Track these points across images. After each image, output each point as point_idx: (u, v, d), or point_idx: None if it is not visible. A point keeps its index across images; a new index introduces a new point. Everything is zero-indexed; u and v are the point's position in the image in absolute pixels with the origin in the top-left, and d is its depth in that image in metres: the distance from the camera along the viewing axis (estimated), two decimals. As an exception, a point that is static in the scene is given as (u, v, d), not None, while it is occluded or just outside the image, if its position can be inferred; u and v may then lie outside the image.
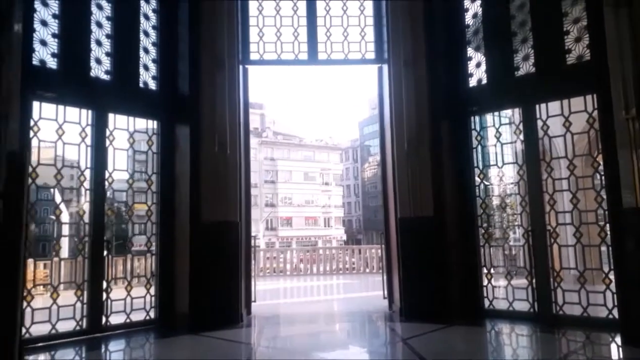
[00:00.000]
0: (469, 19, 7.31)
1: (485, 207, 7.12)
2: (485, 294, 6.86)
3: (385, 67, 7.64)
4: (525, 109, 6.68)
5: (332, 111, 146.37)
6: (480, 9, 7.19)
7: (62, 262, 7.29)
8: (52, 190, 6.19)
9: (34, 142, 5.69)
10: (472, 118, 7.25)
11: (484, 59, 7.09)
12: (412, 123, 7.00)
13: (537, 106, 6.60)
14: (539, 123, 6.55)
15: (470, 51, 7.29)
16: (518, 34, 6.76)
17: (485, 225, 7.06)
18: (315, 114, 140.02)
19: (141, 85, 6.91)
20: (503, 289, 6.90)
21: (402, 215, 6.96)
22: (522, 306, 6.49)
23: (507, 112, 7.79)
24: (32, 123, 5.69)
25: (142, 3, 7.06)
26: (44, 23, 5.96)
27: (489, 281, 6.88)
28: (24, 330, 5.20)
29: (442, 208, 6.85)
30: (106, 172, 6.36)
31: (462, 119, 7.23)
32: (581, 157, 7.04)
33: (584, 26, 6.13)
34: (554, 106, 6.52)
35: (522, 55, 6.68)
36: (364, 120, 78.04)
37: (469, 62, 7.25)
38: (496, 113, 7.36)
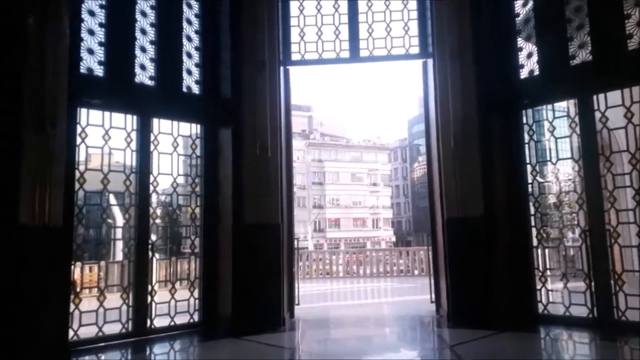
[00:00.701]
0: (518, 7, 6.92)
1: (538, 205, 6.70)
2: (539, 298, 6.44)
3: (430, 62, 7.37)
4: (582, 100, 6.24)
5: (380, 110, 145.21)
6: (531, -3, 6.77)
7: (110, 265, 7.49)
8: (100, 194, 6.34)
9: (82, 148, 5.87)
10: (524, 111, 6.86)
11: (536, 49, 6.68)
12: (458, 118, 6.69)
13: (595, 97, 6.14)
14: (597, 115, 6.09)
15: (520, 41, 6.89)
16: (573, 21, 6.33)
17: (539, 225, 6.65)
18: (362, 114, 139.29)
19: (184, 89, 6.98)
20: (559, 292, 6.46)
21: (449, 216, 6.67)
22: (579, 311, 6.03)
23: (562, 105, 7.29)
24: (79, 130, 5.84)
25: (185, 8, 7.13)
26: (91, 32, 6.12)
27: (543, 284, 6.47)
28: (71, 333, 5.36)
29: (492, 207, 6.51)
30: (151, 176, 6.47)
31: (513, 113, 6.85)
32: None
33: (647, 7, 5.64)
34: (614, 96, 6.05)
35: (578, 43, 6.25)
36: (413, 119, 76.63)
37: (519, 53, 6.86)
38: (549, 106, 6.90)
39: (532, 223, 6.62)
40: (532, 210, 6.66)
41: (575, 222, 7.41)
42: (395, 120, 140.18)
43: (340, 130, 76.36)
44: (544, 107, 7.00)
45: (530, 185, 6.72)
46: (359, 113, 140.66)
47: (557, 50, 6.39)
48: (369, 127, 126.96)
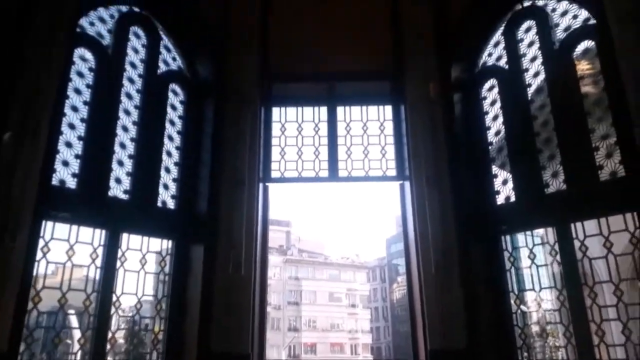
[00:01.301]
0: (491, 136, 7.20)
1: (524, 337, 6.35)
2: None
3: (407, 184, 7.44)
4: (559, 228, 6.22)
5: (358, 228, 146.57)
6: (503, 127, 7.09)
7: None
8: (55, 315, 5.80)
9: (42, 264, 5.48)
10: (503, 238, 6.80)
11: (510, 176, 6.84)
12: (438, 244, 6.59)
13: (573, 225, 6.14)
14: (577, 243, 6.04)
15: (495, 168, 7.08)
16: (544, 151, 6.57)
17: (526, 358, 6.23)
18: (341, 231, 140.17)
19: (159, 204, 6.82)
20: None
21: (432, 347, 6.24)
22: None
23: (540, 231, 7.29)
24: (42, 243, 5.50)
25: (168, 125, 7.23)
26: (69, 145, 6.06)
27: None
28: None
29: (476, 339, 6.14)
30: (114, 295, 6.01)
31: (492, 239, 6.80)
32: (627, 282, 6.36)
33: (614, 142, 5.89)
34: (591, 225, 6.06)
35: (550, 172, 6.41)
36: (392, 238, 76.80)
37: (494, 180, 7.00)
38: (528, 232, 6.88)
39: (519, 357, 6.21)
40: (519, 342, 6.29)
41: (563, 357, 7.00)
42: (374, 239, 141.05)
43: (318, 246, 75.88)
44: (523, 233, 6.97)
45: (514, 315, 6.43)
46: (338, 230, 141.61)
47: (531, 179, 6.53)
48: (348, 244, 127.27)
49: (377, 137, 7.92)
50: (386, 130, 7.94)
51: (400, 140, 7.81)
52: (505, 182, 6.88)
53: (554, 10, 6.81)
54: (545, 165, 6.48)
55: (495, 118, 7.19)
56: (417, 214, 6.95)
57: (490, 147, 7.17)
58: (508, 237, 6.87)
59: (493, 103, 7.24)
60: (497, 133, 7.14)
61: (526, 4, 7.10)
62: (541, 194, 6.42)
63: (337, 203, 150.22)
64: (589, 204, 6.04)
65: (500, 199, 6.88)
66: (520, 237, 7.19)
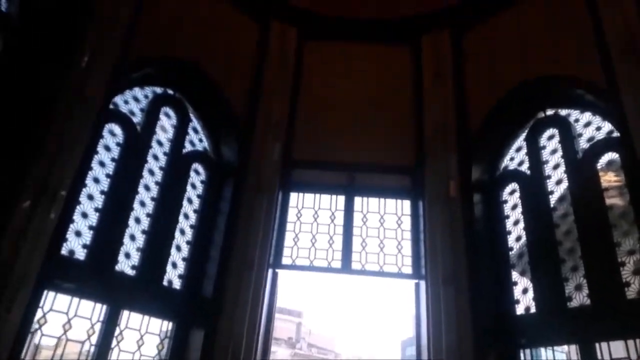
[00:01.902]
0: (512, 241, 6.98)
1: None
2: None
3: (422, 284, 7.15)
4: (583, 347, 5.79)
5: (373, 325, 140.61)
6: (524, 233, 6.88)
7: None
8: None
9: (36, 336, 5.31)
10: (522, 351, 6.34)
11: (531, 285, 6.51)
12: (452, 351, 6.17)
13: (597, 345, 5.70)
14: (603, 366, 5.57)
15: (515, 275, 6.77)
16: (567, 261, 6.29)
17: None
18: (354, 327, 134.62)
19: (165, 283, 6.68)
20: None
21: None
22: None
23: (564, 347, 6.81)
24: (40, 314, 5.37)
25: (185, 203, 7.26)
26: (85, 215, 6.09)
27: None
28: None
29: None
30: (105, 378, 5.72)
31: (509, 351, 6.34)
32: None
33: (641, 259, 5.61)
34: (618, 346, 5.61)
35: (573, 285, 6.09)
36: (407, 340, 72.63)
37: (514, 287, 6.67)
38: (549, 347, 6.42)
39: None
40: None
41: None
42: (388, 339, 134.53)
43: (329, 342, 72.14)
44: (543, 348, 6.50)
45: None
46: (350, 326, 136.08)
47: (553, 290, 6.20)
48: (360, 342, 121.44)
49: (394, 231, 7.77)
50: (403, 225, 7.80)
51: (417, 236, 7.63)
52: (525, 291, 6.53)
53: (577, 120, 6.84)
54: (568, 276, 6.17)
55: (516, 223, 6.99)
56: (431, 317, 6.60)
57: (510, 253, 6.91)
58: (527, 351, 6.40)
59: (514, 207, 7.09)
60: (518, 239, 6.91)
61: (549, 112, 7.16)
62: (563, 307, 6.05)
63: (351, 297, 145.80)
64: (615, 323, 5.64)
65: (519, 309, 6.51)
66: (541, 351, 6.71)
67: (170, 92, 7.53)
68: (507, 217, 7.12)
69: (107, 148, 6.59)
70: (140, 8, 7.00)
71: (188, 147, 7.54)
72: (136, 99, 7.13)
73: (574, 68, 6.69)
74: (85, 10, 6.32)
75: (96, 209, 6.22)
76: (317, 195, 8.09)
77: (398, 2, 8.99)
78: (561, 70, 6.83)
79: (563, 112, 7.02)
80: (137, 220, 6.63)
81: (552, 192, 6.75)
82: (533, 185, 6.96)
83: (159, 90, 7.44)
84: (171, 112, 7.50)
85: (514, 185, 7.22)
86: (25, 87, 5.82)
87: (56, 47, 6.08)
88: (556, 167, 6.82)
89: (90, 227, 6.11)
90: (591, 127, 6.66)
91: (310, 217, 7.94)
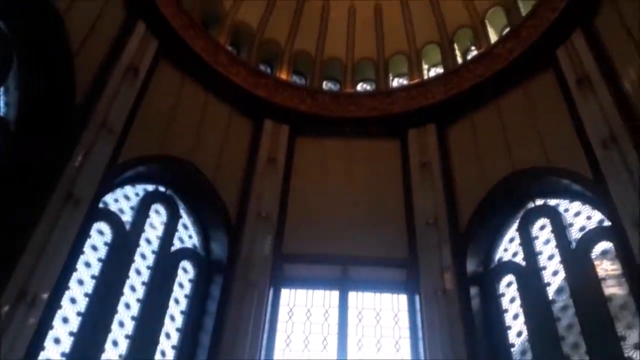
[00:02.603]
0: (513, 337, 6.69)
1: None
2: None
3: (424, 386, 6.71)
4: None
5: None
6: (525, 327, 6.61)
7: None
8: None
9: None
10: None
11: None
12: None
13: None
14: None
15: (519, 374, 6.40)
16: (572, 357, 5.98)
17: None
18: None
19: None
20: None
21: None
22: None
23: None
24: None
25: (172, 304, 7.01)
26: (65, 320, 5.83)
27: None
28: None
29: None
30: None
31: None
32: None
33: (649, 355, 5.34)
34: None
35: (582, 385, 5.73)
36: None
37: (520, 388, 6.27)
38: None
39: None
40: None
41: None
42: None
43: None
44: None
45: None
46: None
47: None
48: None
49: (391, 329, 7.43)
50: (400, 322, 7.47)
51: (415, 333, 7.28)
52: (531, 390, 6.15)
53: (566, 210, 6.87)
54: (575, 375, 5.84)
55: (515, 317, 6.74)
56: None
57: (512, 349, 6.59)
58: None
59: (512, 300, 6.88)
60: (519, 334, 6.61)
61: (538, 202, 7.21)
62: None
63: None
64: None
65: (528, 412, 6.08)
66: None
67: (162, 189, 7.57)
68: (506, 310, 6.89)
69: (94, 248, 6.46)
70: (137, 108, 7.24)
71: (177, 245, 7.43)
72: (127, 197, 7.13)
73: (559, 160, 6.85)
74: (81, 112, 6.52)
75: (78, 313, 5.95)
76: (310, 292, 7.85)
77: (385, 100, 9.42)
78: (547, 162, 6.99)
79: (552, 202, 7.07)
80: (121, 324, 6.33)
81: (549, 284, 6.60)
82: (529, 277, 6.81)
83: (150, 187, 7.48)
84: (161, 209, 7.48)
85: (510, 277, 7.06)
86: (14, 189, 5.84)
87: (50, 148, 6.19)
88: (551, 257, 6.73)
89: (71, 334, 5.79)
90: (581, 216, 6.67)
91: (302, 316, 7.63)
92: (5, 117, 6.02)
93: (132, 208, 7.12)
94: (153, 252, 7.06)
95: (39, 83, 6.25)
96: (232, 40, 10.10)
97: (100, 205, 6.60)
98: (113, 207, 6.86)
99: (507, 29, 9.02)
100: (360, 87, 10.67)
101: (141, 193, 7.33)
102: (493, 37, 9.45)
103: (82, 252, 6.20)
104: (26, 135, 6.17)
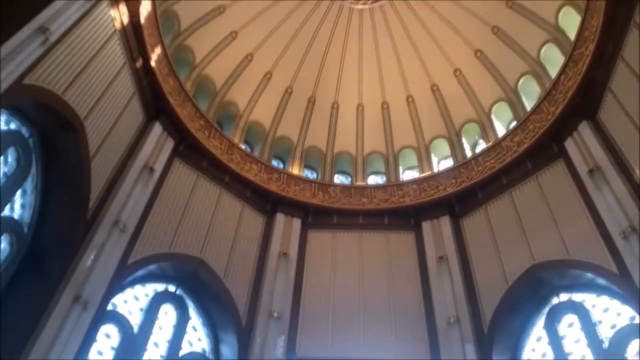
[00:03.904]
0: None
1: None
2: None
3: None
4: None
5: None
6: None
7: None
8: None
9: None
10: None
11: None
12: None
13: None
14: None
15: None
16: None
17: None
18: None
19: None
20: None
21: None
22: None
23: None
24: None
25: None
26: None
27: None
28: None
29: None
30: None
31: None
32: None
33: None
34: None
35: None
36: None
37: None
38: None
39: None
40: None
41: None
42: None
43: None
44: None
45: None
46: None
47: None
48: None
49: None
50: None
51: None
52: None
53: (594, 305, 6.54)
54: None
55: None
56: None
57: None
58: None
59: (546, 406, 6.35)
60: None
61: (563, 298, 6.90)
62: None
63: None
64: None
65: None
66: None
67: (172, 288, 7.39)
68: (541, 419, 6.33)
69: (100, 352, 6.17)
70: (150, 207, 7.27)
71: (186, 349, 7.07)
72: (136, 298, 6.95)
73: (580, 252, 6.67)
74: (95, 212, 6.56)
75: None
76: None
77: (397, 193, 9.45)
78: (567, 255, 6.80)
79: (578, 297, 6.76)
80: None
81: (585, 390, 6.11)
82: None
83: (160, 287, 7.31)
84: (171, 310, 7.23)
85: (541, 381, 6.57)
86: (23, 291, 5.73)
87: (61, 249, 6.15)
88: (583, 358, 6.28)
89: None
90: (611, 312, 6.34)
91: None
92: (19, 220, 6.06)
93: (141, 309, 6.91)
94: (161, 356, 6.72)
95: (56, 186, 6.36)
96: (246, 137, 10.46)
97: (109, 307, 6.40)
98: (122, 309, 6.67)
99: (513, 122, 9.24)
100: (371, 179, 10.79)
101: (151, 293, 7.15)
102: (500, 129, 9.69)
103: (87, 359, 5.89)
104: (39, 237, 6.18)
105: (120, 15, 6.92)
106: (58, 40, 5.69)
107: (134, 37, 7.29)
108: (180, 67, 9.13)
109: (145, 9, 7.52)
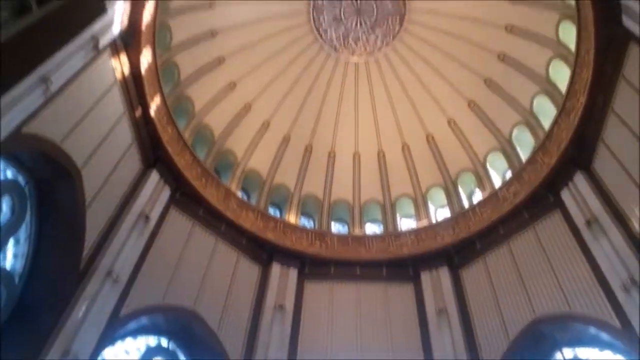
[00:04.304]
0: None
1: None
2: None
3: None
4: None
5: None
6: None
7: None
8: None
9: None
10: None
11: None
12: None
13: None
14: None
15: None
16: None
17: None
18: None
19: None
20: None
21: None
22: None
23: None
24: None
25: None
26: None
27: None
28: None
29: None
30: None
31: None
32: None
33: None
34: None
35: None
36: None
37: None
38: None
39: None
40: None
41: None
42: None
43: None
44: None
45: None
46: None
47: None
48: None
49: None
50: None
51: None
52: None
53: (602, 364, 6.37)
54: None
55: None
56: None
57: None
58: None
59: None
60: None
61: (567, 354, 6.72)
62: None
63: None
64: None
65: None
66: None
67: (164, 342, 7.15)
68: None
69: (86, 413, 5.85)
70: (144, 256, 7.15)
71: (177, 404, 6.77)
72: (127, 352, 6.70)
73: (581, 305, 6.55)
74: (88, 262, 6.42)
75: None
76: None
77: (394, 243, 9.39)
78: (569, 308, 6.67)
79: (581, 352, 6.58)
80: None
81: None
82: None
83: (152, 340, 7.08)
84: (163, 369, 6.97)
85: None
86: (11, 344, 5.51)
87: (52, 300, 5.97)
88: None
89: None
90: (618, 370, 6.14)
91: None
92: (11, 270, 5.91)
93: (131, 365, 6.64)
94: (152, 414, 6.42)
95: (50, 234, 6.25)
96: (243, 185, 10.45)
97: (99, 360, 6.16)
98: (112, 365, 6.39)
99: (509, 171, 9.32)
100: (368, 227, 10.72)
101: (142, 347, 6.91)
102: (495, 178, 9.75)
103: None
104: (30, 288, 6.02)
105: (121, 65, 7.04)
106: (59, 90, 5.72)
107: (134, 87, 7.37)
108: (180, 116, 9.22)
109: (146, 59, 7.65)
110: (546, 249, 7.53)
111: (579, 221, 7.14)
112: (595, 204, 7.00)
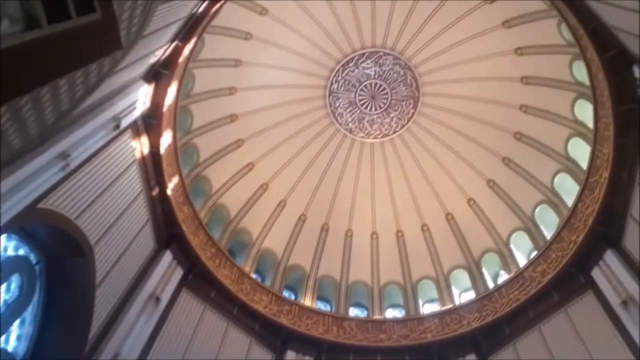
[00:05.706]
0: None
1: None
2: None
3: None
4: None
5: None
6: None
7: None
8: None
9: None
10: None
11: None
12: None
13: None
14: None
15: None
16: None
17: None
18: None
19: None
20: None
21: None
22: None
23: None
24: None
25: None
26: None
27: None
28: None
29: None
30: None
31: None
32: None
33: None
34: None
35: None
36: None
37: None
38: None
39: None
40: None
41: None
42: None
43: None
44: None
45: None
46: None
47: None
48: None
49: None
50: None
51: None
52: None
53: None
54: None
55: None
56: None
57: None
58: None
59: None
60: None
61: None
62: None
63: None
64: None
65: None
66: None
67: None
68: None
69: None
70: (153, 340, 6.86)
71: None
72: None
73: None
74: (94, 345, 6.14)
75: None
76: None
77: (417, 328, 8.85)
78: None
79: None
80: None
81: None
82: None
83: None
84: None
85: None
86: None
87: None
88: None
89: None
90: None
91: None
92: (13, 353, 5.63)
93: None
94: None
95: (56, 314, 6.04)
96: (257, 266, 10.18)
97: None
98: None
99: (534, 252, 8.91)
100: (389, 313, 10.18)
101: None
102: (520, 259, 9.32)
103: None
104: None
105: (141, 145, 7.18)
106: (78, 167, 5.79)
107: (152, 166, 7.45)
108: (196, 196, 9.25)
109: (166, 140, 7.82)
110: (581, 333, 6.99)
111: (614, 302, 6.69)
112: (630, 284, 6.60)
